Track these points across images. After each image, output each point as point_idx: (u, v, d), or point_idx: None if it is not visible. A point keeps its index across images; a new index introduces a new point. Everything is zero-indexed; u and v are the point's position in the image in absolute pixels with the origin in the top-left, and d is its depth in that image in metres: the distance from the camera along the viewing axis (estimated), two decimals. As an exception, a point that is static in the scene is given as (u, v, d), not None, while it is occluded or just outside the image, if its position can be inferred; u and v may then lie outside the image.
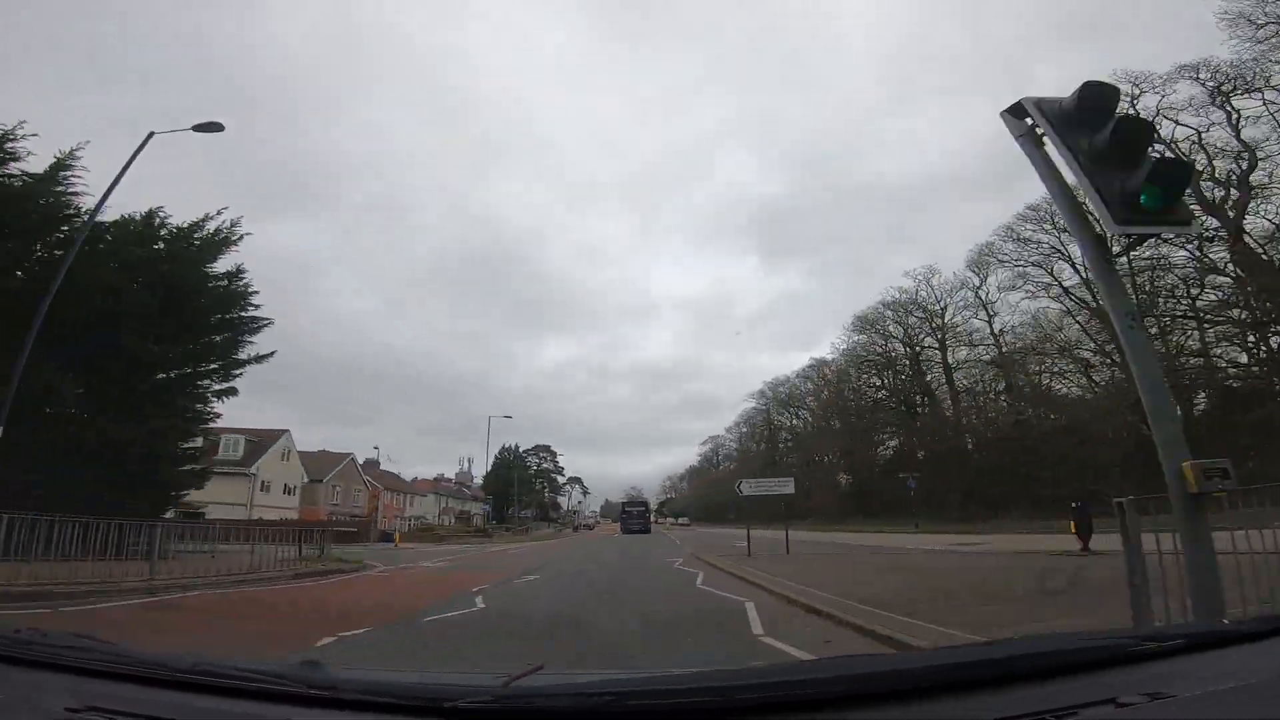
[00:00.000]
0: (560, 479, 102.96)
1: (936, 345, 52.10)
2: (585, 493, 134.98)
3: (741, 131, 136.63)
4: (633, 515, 59.83)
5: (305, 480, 47.77)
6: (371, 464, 69.16)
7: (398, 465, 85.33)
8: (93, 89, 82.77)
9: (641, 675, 1.64)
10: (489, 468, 55.89)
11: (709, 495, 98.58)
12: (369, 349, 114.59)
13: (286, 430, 46.34)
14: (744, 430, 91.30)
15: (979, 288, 46.96)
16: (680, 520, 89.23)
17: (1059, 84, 59.01)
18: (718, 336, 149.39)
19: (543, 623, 7.23)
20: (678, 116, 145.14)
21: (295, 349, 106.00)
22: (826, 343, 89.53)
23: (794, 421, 78.73)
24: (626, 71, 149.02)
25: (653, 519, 70.82)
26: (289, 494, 46.24)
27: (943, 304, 51.09)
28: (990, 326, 46.43)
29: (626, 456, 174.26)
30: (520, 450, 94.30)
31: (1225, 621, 1.78)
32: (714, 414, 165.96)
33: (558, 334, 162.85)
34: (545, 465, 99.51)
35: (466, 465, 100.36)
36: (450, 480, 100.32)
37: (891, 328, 53.78)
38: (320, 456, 53.43)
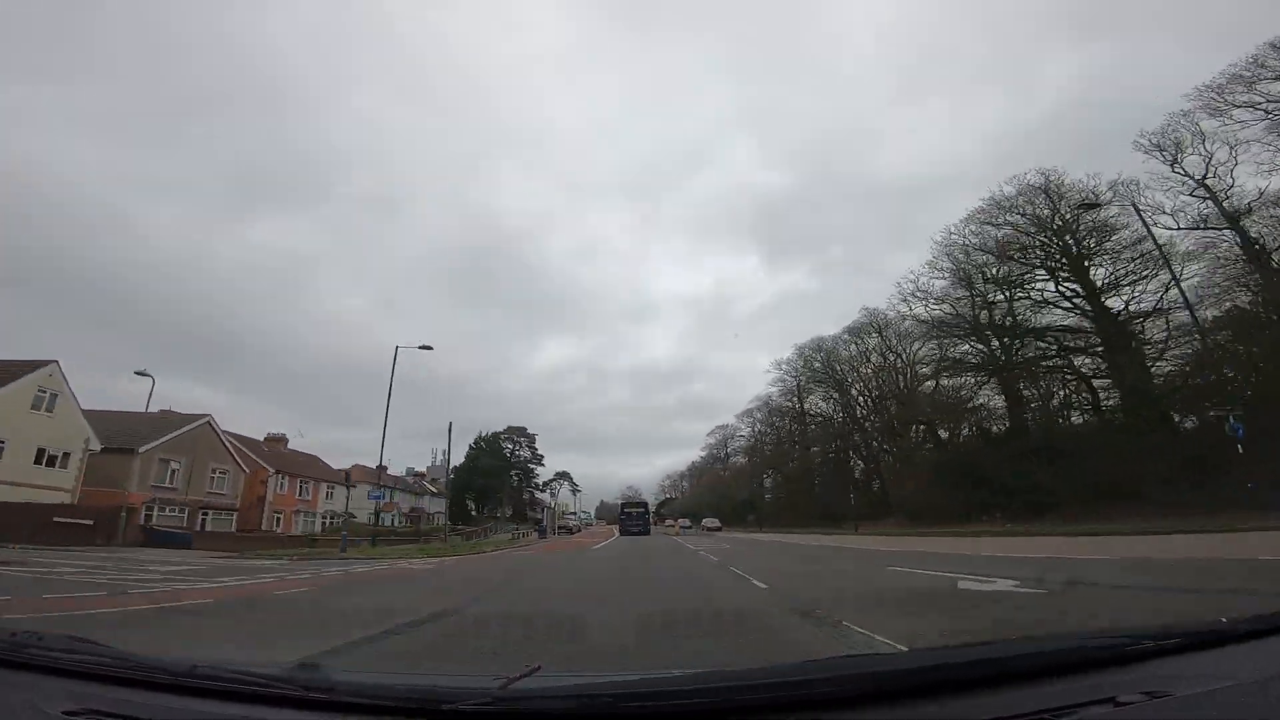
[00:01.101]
0: (538, 469, 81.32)
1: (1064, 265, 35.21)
2: (575, 490, 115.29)
3: (744, 128, 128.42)
4: (632, 517, 56.02)
5: (94, 447, 26.78)
6: (275, 440, 47.99)
7: (390, 462, 67.68)
8: (80, 82, 75.06)
9: (639, 677, 1.56)
10: (387, 419, 33.78)
11: (719, 493, 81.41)
12: (367, 349, 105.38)
13: (52, 363, 25.52)
14: (757, 417, 74.08)
15: (1175, 160, 29.61)
16: (708, 524, 59.22)
17: (1069, 82, 44.92)
18: (717, 337, 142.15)
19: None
20: (679, 114, 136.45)
21: (292, 348, 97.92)
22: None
23: (833, 396, 57.98)
24: (627, 68, 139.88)
25: (651, 520, 64.46)
26: (53, 465, 25.42)
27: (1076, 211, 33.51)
28: (1219, 208, 26.18)
29: (624, 459, 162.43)
30: (494, 435, 73.06)
31: (1223, 621, 1.65)
32: (713, 416, 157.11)
33: (557, 335, 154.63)
34: (521, 453, 77.96)
35: (441, 458, 78.99)
36: (421, 474, 79.28)
37: (1022, 225, 33.48)
38: (152, 419, 32.90)
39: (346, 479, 28.76)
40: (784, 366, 61.49)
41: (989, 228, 37.65)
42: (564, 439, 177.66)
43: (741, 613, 5.96)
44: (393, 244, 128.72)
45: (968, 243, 37.96)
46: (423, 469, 73.11)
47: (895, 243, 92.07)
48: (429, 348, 28.09)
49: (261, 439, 45.86)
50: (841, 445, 55.43)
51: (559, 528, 55.60)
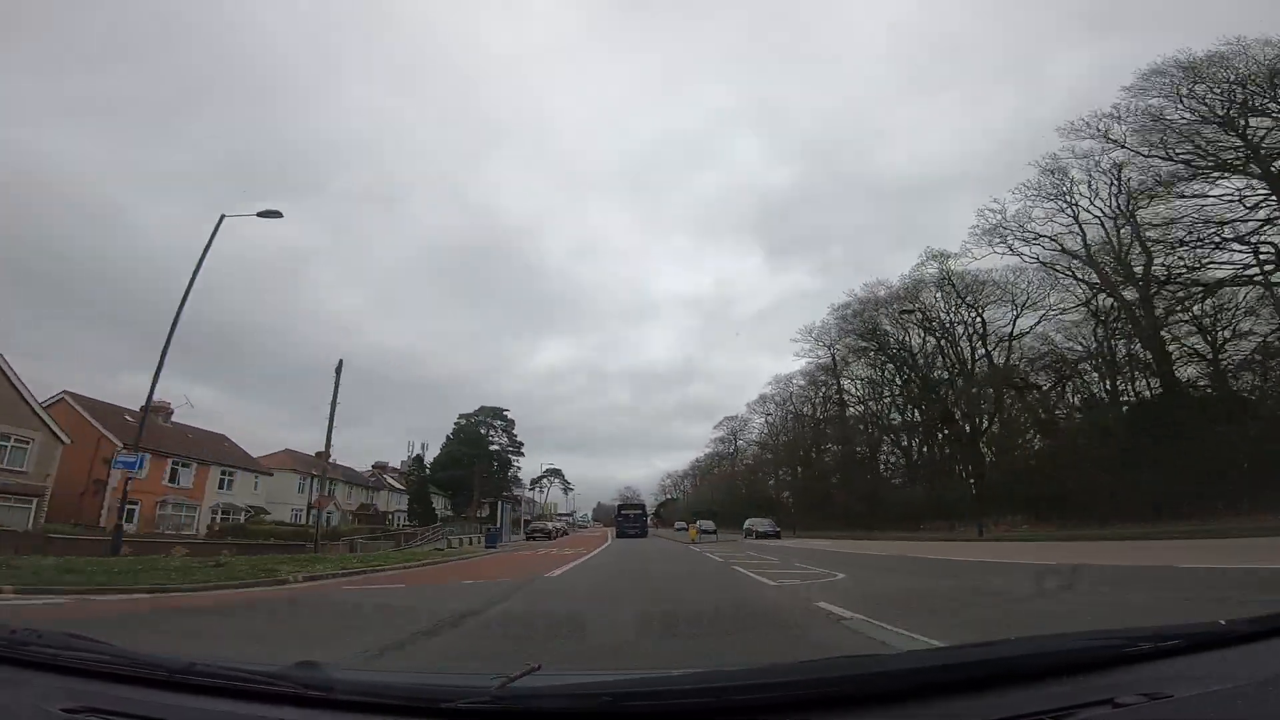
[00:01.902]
0: (517, 460, 68.48)
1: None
2: (567, 488, 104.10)
3: (747, 124, 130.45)
4: (629, 519, 52.49)
5: None
6: (154, 409, 34.08)
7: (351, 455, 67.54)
8: (76, 74, 72.94)
9: (638, 676, 1.57)
10: (174, 331, 22.47)
11: (726, 490, 73.12)
12: (362, 348, 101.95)
13: None
14: (774, 403, 65.21)
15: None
16: (758, 527, 39.27)
17: (1078, 81, 52.31)
18: (718, 338, 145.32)
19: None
20: (681, 111, 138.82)
21: (284, 347, 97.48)
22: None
23: (883, 367, 46.51)
24: (629, 61, 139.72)
25: (650, 523, 63.24)
26: None
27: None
28: None
29: (623, 460, 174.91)
30: (466, 420, 60.14)
31: (1222, 622, 1.65)
32: (713, 417, 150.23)
33: (555, 335, 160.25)
34: (497, 439, 64.96)
35: (419, 449, 72.65)
36: (387, 467, 66.46)
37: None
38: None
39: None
40: (815, 334, 48.78)
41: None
42: (564, 440, 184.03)
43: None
44: (392, 242, 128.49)
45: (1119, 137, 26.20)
46: (396, 464, 60.47)
47: (896, 243, 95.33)
48: (277, 214, 15.09)
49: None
50: (912, 422, 42.31)
51: (533, 531, 42.20)
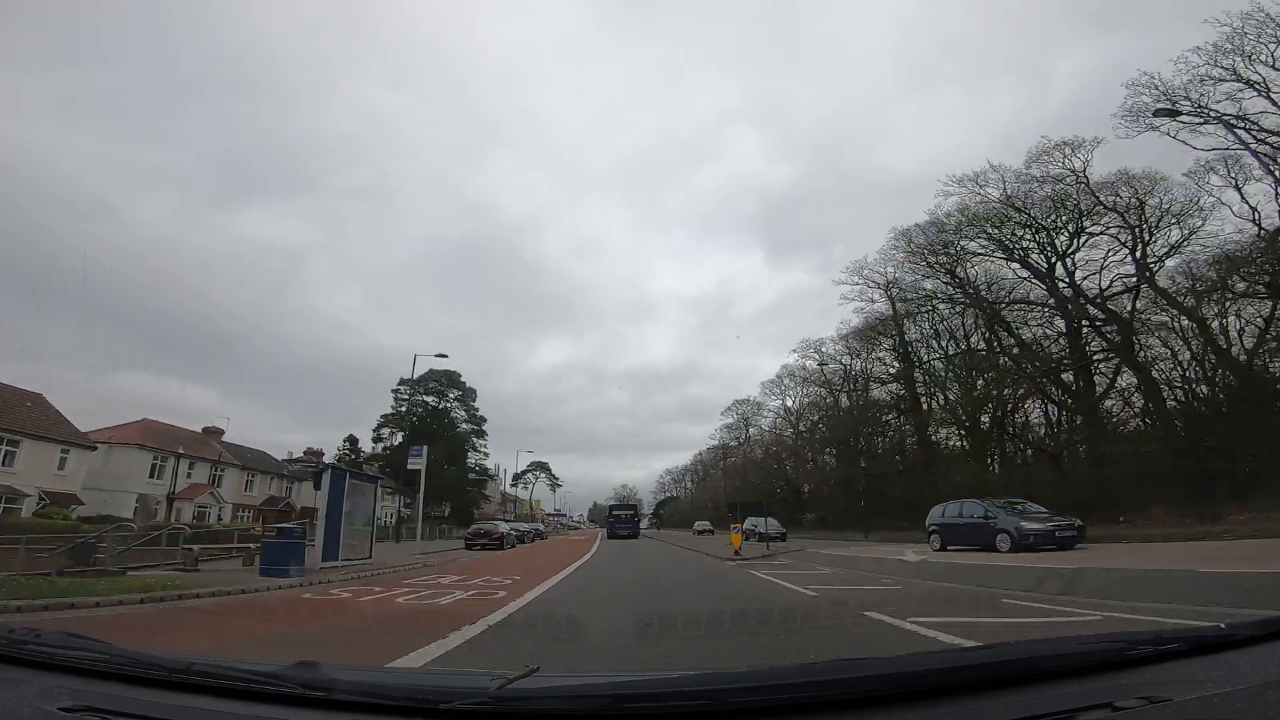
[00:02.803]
0: (482, 443, 55.85)
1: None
2: (554, 484, 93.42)
3: (748, 120, 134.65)
4: (621, 520, 49.90)
5: None
6: None
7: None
8: (57, 69, 69.42)
9: (638, 677, 1.64)
10: None
11: (744, 484, 59.53)
12: (362, 346, 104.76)
13: None
14: (795, 378, 56.72)
15: None
16: (1034, 525, 15.74)
17: (1080, 77, 53.48)
18: (718, 338, 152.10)
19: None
20: (681, 107, 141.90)
21: (286, 347, 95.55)
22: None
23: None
24: (629, 56, 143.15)
25: (641, 524, 61.98)
26: None
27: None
28: None
29: (621, 461, 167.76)
30: (411, 388, 47.37)
31: (1222, 625, 1.71)
32: (712, 418, 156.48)
33: (555, 335, 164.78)
34: (455, 411, 51.73)
35: (381, 445, 66.98)
36: (320, 454, 55.28)
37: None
38: None
39: None
40: (866, 272, 37.56)
41: None
42: (562, 441, 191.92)
43: None
44: (389, 240, 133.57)
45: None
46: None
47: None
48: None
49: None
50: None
51: (475, 538, 28.61)
